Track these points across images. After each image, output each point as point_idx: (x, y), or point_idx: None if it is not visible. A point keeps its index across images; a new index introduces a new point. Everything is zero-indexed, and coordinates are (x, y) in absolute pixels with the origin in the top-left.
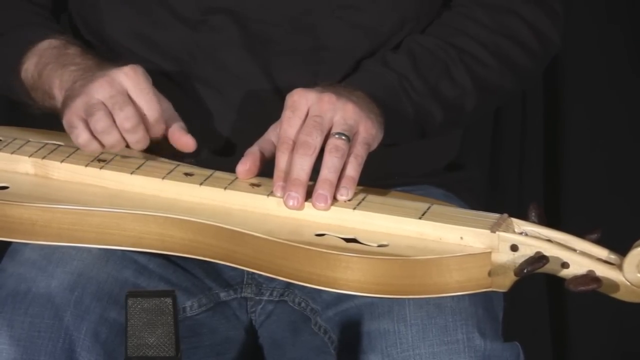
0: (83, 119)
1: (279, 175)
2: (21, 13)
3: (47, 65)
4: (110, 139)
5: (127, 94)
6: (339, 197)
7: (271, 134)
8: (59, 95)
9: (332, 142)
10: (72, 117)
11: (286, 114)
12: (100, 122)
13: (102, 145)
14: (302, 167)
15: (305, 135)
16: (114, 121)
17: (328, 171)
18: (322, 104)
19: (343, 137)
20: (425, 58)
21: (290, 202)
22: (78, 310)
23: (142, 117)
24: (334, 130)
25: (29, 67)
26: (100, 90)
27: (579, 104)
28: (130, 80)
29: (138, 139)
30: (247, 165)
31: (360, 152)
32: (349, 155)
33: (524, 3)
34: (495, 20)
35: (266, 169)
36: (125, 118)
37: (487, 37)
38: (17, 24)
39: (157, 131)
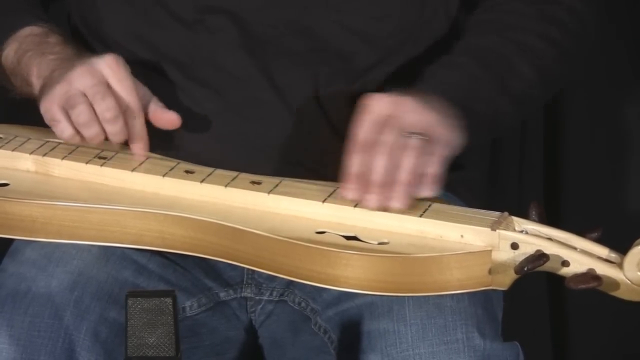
0: (64, 110)
1: (351, 177)
2: None
3: (26, 52)
4: (91, 131)
5: (107, 83)
6: (422, 195)
7: None
8: (36, 83)
9: (409, 142)
10: (52, 108)
11: (360, 116)
12: (82, 115)
13: (83, 138)
14: (380, 167)
15: (384, 136)
16: (95, 113)
17: (404, 172)
18: (400, 107)
19: (420, 138)
20: (487, 56)
21: (371, 205)
22: (78, 309)
23: (122, 108)
24: (410, 131)
25: (9, 53)
26: (81, 79)
27: (579, 104)
28: (110, 69)
29: (117, 131)
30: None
31: (438, 152)
32: (427, 154)
33: None
34: (537, 9)
35: (264, 168)
36: (107, 109)
37: (537, 27)
38: (0, 10)
39: (137, 123)
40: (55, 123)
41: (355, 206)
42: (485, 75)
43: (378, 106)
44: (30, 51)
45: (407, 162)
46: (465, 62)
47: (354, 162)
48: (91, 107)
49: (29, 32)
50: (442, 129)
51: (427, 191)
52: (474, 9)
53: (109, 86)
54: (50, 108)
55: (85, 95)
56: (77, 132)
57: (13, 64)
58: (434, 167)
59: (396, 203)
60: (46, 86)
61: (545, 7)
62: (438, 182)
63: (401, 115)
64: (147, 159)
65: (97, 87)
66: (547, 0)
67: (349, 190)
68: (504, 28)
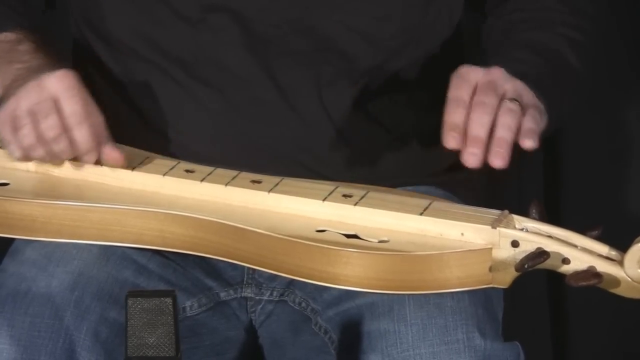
0: (13, 130)
1: (452, 126)
2: None
3: None
4: (38, 153)
5: (54, 100)
6: (525, 145)
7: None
8: None
9: (506, 104)
10: (3, 127)
11: (455, 81)
12: (25, 138)
13: (32, 157)
14: (482, 123)
15: (482, 97)
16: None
17: (504, 130)
18: (493, 74)
19: (515, 102)
20: (544, 50)
21: (472, 160)
22: (78, 310)
23: (66, 126)
24: (506, 96)
25: None
26: (28, 96)
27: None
28: (60, 84)
29: (62, 149)
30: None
31: (534, 114)
32: (523, 115)
33: None
34: (565, 3)
35: (266, 168)
36: (48, 127)
37: (573, 20)
38: None
39: (82, 143)
40: (6, 144)
41: (355, 204)
42: (546, 68)
43: (471, 74)
44: None
45: (508, 121)
46: (526, 57)
47: (457, 115)
48: (35, 127)
49: (2, 39)
50: (533, 98)
51: (529, 142)
52: (480, 10)
53: (56, 102)
54: (2, 127)
55: (31, 114)
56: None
57: None
58: (531, 122)
59: (498, 160)
60: (4, 97)
61: (575, 1)
62: (536, 135)
63: (496, 80)
64: (147, 158)
65: (42, 104)
66: None
67: (452, 138)
68: (547, 24)
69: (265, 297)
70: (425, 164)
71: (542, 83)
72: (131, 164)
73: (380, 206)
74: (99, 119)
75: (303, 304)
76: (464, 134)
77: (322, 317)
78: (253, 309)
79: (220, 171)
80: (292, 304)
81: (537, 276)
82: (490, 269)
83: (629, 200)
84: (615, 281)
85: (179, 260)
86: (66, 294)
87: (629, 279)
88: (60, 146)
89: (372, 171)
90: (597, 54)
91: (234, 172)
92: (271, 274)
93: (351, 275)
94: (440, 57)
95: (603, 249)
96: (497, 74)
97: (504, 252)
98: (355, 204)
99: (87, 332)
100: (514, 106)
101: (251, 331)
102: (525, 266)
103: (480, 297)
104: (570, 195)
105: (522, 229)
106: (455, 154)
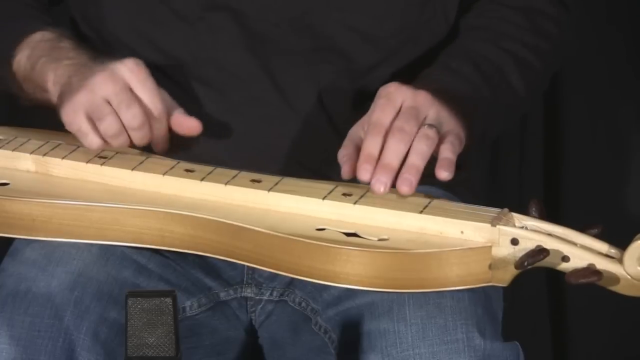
0: (90, 121)
1: (366, 158)
2: (13, 4)
3: (40, 58)
4: (120, 141)
5: (130, 89)
6: (441, 177)
7: (358, 130)
8: (53, 89)
9: (424, 131)
10: (77, 118)
11: (380, 101)
12: (110, 128)
13: (110, 145)
14: (397, 152)
15: (402, 122)
16: (122, 122)
17: (417, 157)
18: (418, 98)
19: (434, 128)
20: (484, 65)
21: (378, 187)
22: (78, 310)
23: (146, 113)
24: (426, 123)
25: (22, 59)
26: (104, 86)
27: (579, 104)
28: (133, 74)
29: (142, 136)
30: (348, 168)
31: (452, 141)
32: (440, 143)
33: (547, 2)
34: (529, 20)
35: (266, 168)
36: (133, 117)
37: (529, 39)
38: (9, 16)
39: (161, 126)
40: (82, 135)
41: (355, 203)
42: (482, 84)
43: (398, 94)
44: (44, 57)
45: (423, 148)
46: (466, 70)
47: (372, 144)
48: (118, 118)
49: (40, 38)
50: (454, 124)
51: (445, 173)
52: (468, 11)
53: (131, 91)
54: (74, 119)
55: (109, 103)
56: (105, 142)
57: (26, 71)
58: (449, 152)
59: (405, 186)
60: (65, 93)
61: (535, 17)
62: (452, 166)
63: (419, 107)
64: (147, 157)
65: (121, 94)
66: (535, 10)
67: (364, 170)
68: (499, 37)
69: (265, 297)
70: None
71: (470, 101)
72: (131, 164)
73: (379, 204)
74: (166, 96)
75: (303, 304)
76: (378, 159)
77: (322, 317)
78: (253, 309)
79: (220, 170)
80: (292, 304)
81: (536, 276)
82: (490, 267)
83: (628, 199)
84: (615, 279)
85: (178, 260)
86: (66, 294)
87: (629, 277)
88: (142, 133)
89: None
90: (551, 73)
91: (233, 172)
92: (271, 273)
93: (351, 273)
94: (437, 56)
95: (602, 246)
96: (422, 99)
97: (504, 250)
98: (354, 203)
99: (87, 332)
100: (431, 133)
101: (251, 331)
102: (525, 264)
103: (480, 297)
104: (570, 194)
105: (521, 227)
106: None
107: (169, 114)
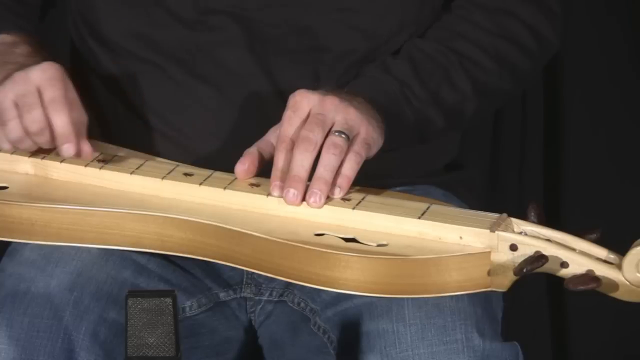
0: (1, 125)
1: (276, 174)
2: None
3: None
4: (24, 145)
5: (38, 92)
6: (332, 195)
7: (271, 136)
8: None
9: (331, 139)
10: None
11: (287, 113)
12: (12, 132)
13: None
14: (302, 163)
15: (307, 131)
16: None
17: (324, 169)
18: (325, 104)
19: (342, 136)
20: (425, 64)
21: (291, 197)
22: (77, 310)
23: (46, 113)
24: (334, 129)
25: None
26: (14, 87)
27: (579, 104)
28: (43, 75)
29: (44, 142)
30: (245, 165)
31: (359, 151)
32: (347, 153)
33: (521, 4)
34: (494, 22)
35: (266, 169)
36: (32, 122)
37: (486, 41)
38: None
39: (60, 129)
40: None
41: (354, 208)
42: (418, 83)
43: (304, 103)
44: None
45: (328, 160)
46: (401, 67)
47: (279, 159)
48: (21, 121)
49: None
50: (365, 129)
51: (338, 192)
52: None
53: (40, 92)
54: None
55: (16, 107)
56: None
57: None
58: (350, 169)
59: (314, 199)
60: None
61: (506, 24)
62: (349, 184)
63: (326, 113)
64: (146, 161)
65: (26, 97)
66: (508, 13)
67: (275, 187)
68: (454, 37)
69: (264, 298)
70: (424, 163)
71: (391, 101)
72: (130, 168)
73: (378, 209)
74: (80, 112)
75: (302, 304)
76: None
77: (321, 317)
78: (252, 309)
79: (218, 174)
80: (291, 304)
81: (536, 277)
82: (489, 273)
83: (628, 204)
84: (614, 285)
85: (178, 260)
86: (65, 294)
87: (628, 283)
88: (43, 139)
89: (370, 170)
90: (527, 80)
91: (232, 176)
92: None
93: (350, 279)
94: None
95: (602, 252)
96: (329, 105)
97: (503, 256)
98: (353, 208)
99: (86, 332)
100: (339, 140)
101: (251, 331)
102: (524, 270)
103: (480, 297)
104: (570, 197)
105: (520, 233)
106: (454, 154)
107: (78, 120)
